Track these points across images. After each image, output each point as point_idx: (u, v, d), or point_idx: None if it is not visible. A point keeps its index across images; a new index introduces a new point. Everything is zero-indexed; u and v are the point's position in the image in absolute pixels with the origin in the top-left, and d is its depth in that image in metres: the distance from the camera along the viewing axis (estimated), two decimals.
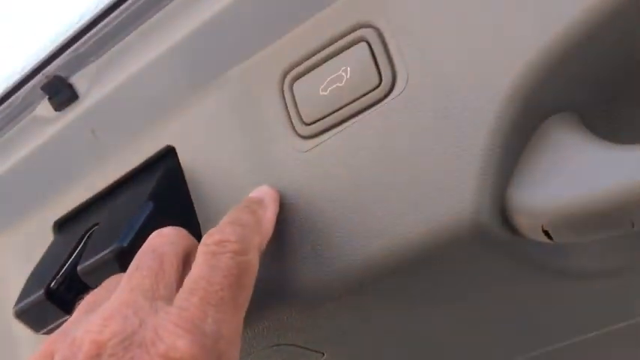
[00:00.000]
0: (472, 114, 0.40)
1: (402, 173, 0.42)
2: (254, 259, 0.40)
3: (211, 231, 0.41)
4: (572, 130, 0.40)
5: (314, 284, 0.45)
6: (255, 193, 0.46)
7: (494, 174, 0.40)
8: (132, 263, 0.40)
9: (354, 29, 0.45)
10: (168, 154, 0.52)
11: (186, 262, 0.41)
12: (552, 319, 0.55)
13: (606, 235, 0.39)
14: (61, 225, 0.59)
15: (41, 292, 0.49)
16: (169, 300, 0.37)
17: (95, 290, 0.43)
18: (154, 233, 0.42)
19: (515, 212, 0.40)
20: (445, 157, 0.41)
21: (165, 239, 0.41)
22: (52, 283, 0.49)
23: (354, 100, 0.44)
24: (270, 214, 0.44)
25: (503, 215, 0.41)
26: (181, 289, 0.38)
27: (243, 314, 0.39)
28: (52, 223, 0.59)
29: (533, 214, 0.39)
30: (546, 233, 0.40)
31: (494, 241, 0.41)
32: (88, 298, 0.42)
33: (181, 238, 0.42)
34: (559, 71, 0.40)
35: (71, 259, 0.51)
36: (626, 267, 0.49)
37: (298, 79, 0.47)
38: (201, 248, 0.40)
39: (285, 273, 0.46)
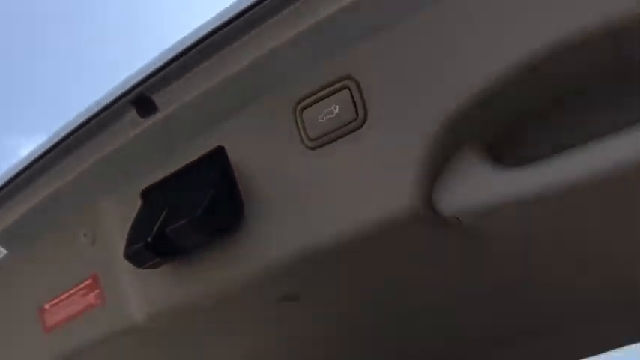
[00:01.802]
0: (413, 140, 0.65)
1: (369, 177, 0.67)
2: None
3: None
4: (477, 157, 0.64)
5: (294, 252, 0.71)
6: None
7: (425, 180, 0.65)
8: None
9: (342, 79, 0.69)
10: (221, 152, 0.77)
11: None
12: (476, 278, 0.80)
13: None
14: (145, 194, 0.85)
15: (142, 244, 0.76)
16: None
17: None
18: None
19: (437, 204, 0.65)
20: (395, 167, 0.66)
21: None
22: (149, 239, 0.76)
23: (340, 127, 0.68)
24: None
25: (431, 205, 0.65)
26: None
27: None
28: (140, 192, 0.85)
29: (448, 208, 0.65)
30: (457, 219, 0.65)
31: (426, 220, 0.66)
32: None
33: None
34: (472, 115, 0.63)
35: (158, 224, 0.77)
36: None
37: (305, 109, 0.71)
38: None
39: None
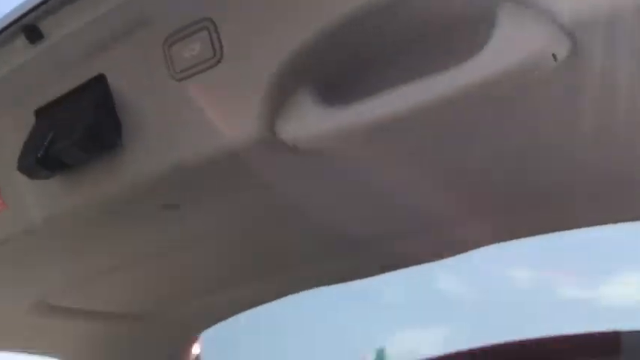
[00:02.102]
0: (259, 77, 0.76)
1: (223, 107, 0.79)
2: None
3: None
4: (311, 94, 0.77)
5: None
6: None
7: (269, 112, 0.77)
8: None
9: (203, 20, 0.79)
10: (102, 79, 0.87)
11: None
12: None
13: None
14: (38, 114, 0.95)
15: (33, 159, 0.87)
16: None
17: None
18: None
19: (279, 133, 0.78)
20: (244, 100, 0.78)
21: None
22: (39, 155, 0.87)
23: (200, 63, 0.80)
24: None
25: (274, 133, 0.78)
26: None
27: None
28: (33, 111, 0.95)
29: (287, 136, 0.78)
30: (295, 145, 0.78)
31: (271, 145, 0.79)
32: None
33: None
34: (308, 58, 0.75)
35: (47, 142, 0.87)
36: None
37: (173, 45, 0.82)
38: None
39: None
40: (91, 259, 1.15)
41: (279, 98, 0.77)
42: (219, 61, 0.79)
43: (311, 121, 0.78)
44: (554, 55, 0.67)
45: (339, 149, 0.81)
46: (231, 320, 1.57)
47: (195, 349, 1.70)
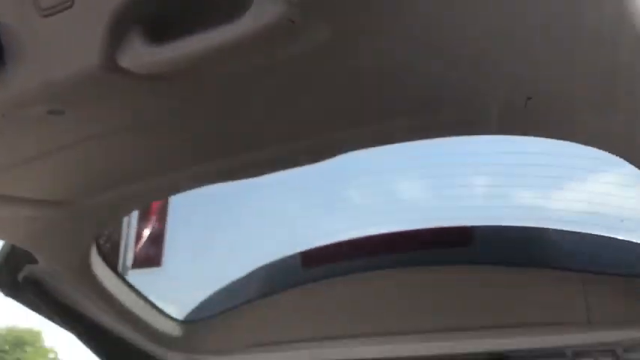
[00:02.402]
0: (102, 16, 0.99)
1: (76, 38, 1.02)
2: None
3: None
4: (143, 32, 1.00)
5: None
6: None
7: (110, 44, 1.00)
8: None
9: None
10: None
11: None
12: None
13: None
14: None
15: None
16: None
17: None
18: None
19: (119, 61, 1.01)
20: (91, 35, 1.01)
21: None
22: None
23: (59, 4, 1.02)
24: None
25: (115, 62, 1.02)
26: None
27: None
28: None
29: (127, 64, 1.01)
30: (131, 72, 1.02)
31: (115, 72, 1.03)
32: None
33: None
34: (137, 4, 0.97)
35: None
36: None
37: None
38: None
39: None
40: (10, 150, 1.40)
41: (118, 34, 1.00)
42: (72, 5, 1.01)
43: (144, 52, 1.01)
44: None
45: (168, 74, 1.05)
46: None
47: None
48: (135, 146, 1.40)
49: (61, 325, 2.28)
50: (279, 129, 1.34)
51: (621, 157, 1.37)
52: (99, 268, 2.03)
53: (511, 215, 2.02)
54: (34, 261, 1.95)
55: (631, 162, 1.38)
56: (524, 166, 1.94)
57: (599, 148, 1.37)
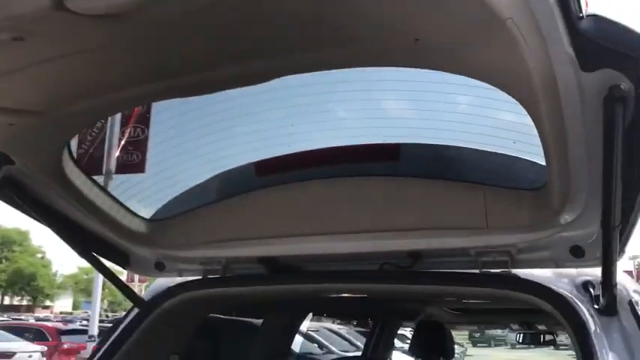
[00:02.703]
0: None
1: None
2: None
3: None
4: None
5: None
6: None
7: None
8: None
9: None
10: None
11: None
12: None
13: None
14: None
15: None
16: None
17: None
18: None
19: (69, 4, 1.26)
20: None
21: None
22: None
23: None
24: None
25: (64, 5, 1.27)
26: None
27: None
28: None
29: (76, 7, 1.26)
30: (77, 12, 1.27)
31: (65, 12, 1.28)
32: None
33: None
34: None
35: None
36: None
37: None
38: None
39: None
40: None
41: None
42: None
43: None
44: None
45: (108, 15, 1.30)
46: None
47: None
48: (89, 66, 1.66)
49: (40, 221, 2.55)
50: (208, 57, 1.61)
51: (498, 87, 1.65)
52: (70, 169, 2.30)
53: (433, 136, 2.30)
54: (10, 162, 2.20)
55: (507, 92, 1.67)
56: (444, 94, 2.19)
57: (482, 80, 1.65)
